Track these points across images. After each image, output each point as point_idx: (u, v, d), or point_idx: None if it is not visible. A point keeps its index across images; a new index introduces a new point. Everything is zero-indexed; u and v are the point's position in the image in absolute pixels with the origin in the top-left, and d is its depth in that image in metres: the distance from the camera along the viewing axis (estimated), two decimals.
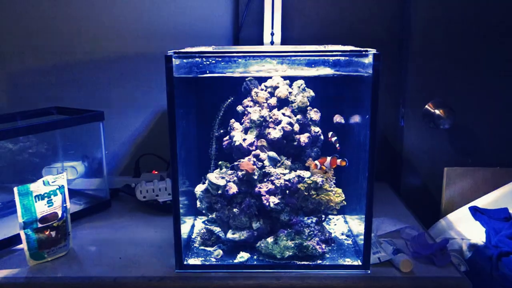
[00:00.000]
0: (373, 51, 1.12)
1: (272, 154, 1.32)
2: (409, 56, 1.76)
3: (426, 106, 1.76)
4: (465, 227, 1.59)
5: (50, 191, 1.27)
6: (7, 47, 1.86)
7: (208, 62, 1.17)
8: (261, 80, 1.40)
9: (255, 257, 1.27)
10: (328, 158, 1.28)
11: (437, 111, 1.73)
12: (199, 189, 1.33)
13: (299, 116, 1.36)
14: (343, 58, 1.17)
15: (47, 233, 1.27)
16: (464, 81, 1.75)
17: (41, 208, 1.25)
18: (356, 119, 1.36)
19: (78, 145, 1.76)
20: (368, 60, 1.14)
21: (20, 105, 1.79)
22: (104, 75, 1.89)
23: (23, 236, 1.24)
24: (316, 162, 1.29)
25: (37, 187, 1.25)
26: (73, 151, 1.76)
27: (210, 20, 1.84)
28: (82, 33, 1.86)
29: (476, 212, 1.63)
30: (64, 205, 1.32)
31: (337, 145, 1.34)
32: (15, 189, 1.21)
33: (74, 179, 1.74)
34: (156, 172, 1.82)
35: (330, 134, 1.36)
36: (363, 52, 1.13)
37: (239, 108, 1.40)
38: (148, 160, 1.88)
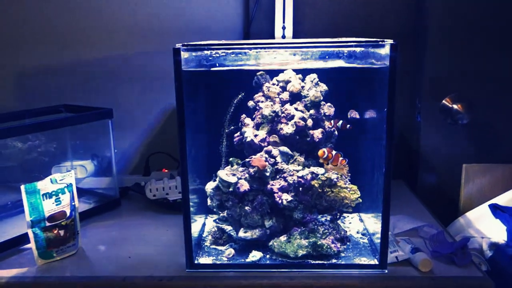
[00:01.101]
0: (390, 41, 1.08)
1: (284, 148, 1.28)
2: (425, 50, 1.71)
3: (444, 101, 1.71)
4: (485, 225, 1.54)
5: (58, 189, 1.25)
6: (15, 45, 1.85)
7: (217, 55, 1.14)
8: (273, 74, 1.36)
9: (267, 256, 1.24)
10: (333, 152, 1.25)
11: (455, 106, 1.68)
12: (210, 186, 1.29)
13: (312, 111, 1.32)
14: (358, 49, 1.13)
15: (55, 232, 1.25)
16: (483, 75, 1.69)
17: (49, 207, 1.23)
18: (371, 113, 1.31)
19: (88, 144, 1.74)
20: (385, 51, 1.09)
21: (28, 103, 1.77)
22: (113, 73, 1.87)
23: (31, 235, 1.22)
24: (324, 149, 1.25)
25: (44, 185, 1.23)
26: (83, 150, 1.74)
27: (219, 14, 1.81)
28: (91, 31, 1.84)
29: (497, 210, 1.58)
30: (73, 203, 1.29)
31: (348, 126, 1.32)
32: (22, 187, 1.19)
33: (83, 178, 1.72)
34: (166, 171, 1.79)
35: (334, 122, 1.33)
36: (380, 42, 1.09)
37: (250, 103, 1.36)
38: (158, 159, 1.85)
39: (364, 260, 1.22)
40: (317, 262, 1.20)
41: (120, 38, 1.84)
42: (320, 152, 1.25)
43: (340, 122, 1.33)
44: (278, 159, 1.27)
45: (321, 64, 1.20)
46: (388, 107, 1.09)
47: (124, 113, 1.83)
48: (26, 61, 1.86)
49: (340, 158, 1.25)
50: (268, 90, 1.33)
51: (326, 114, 1.34)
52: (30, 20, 1.83)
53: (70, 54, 1.85)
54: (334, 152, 1.25)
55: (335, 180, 1.25)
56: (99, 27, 1.83)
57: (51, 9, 1.82)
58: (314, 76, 1.34)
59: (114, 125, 1.60)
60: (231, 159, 1.32)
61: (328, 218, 1.31)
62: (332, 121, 1.33)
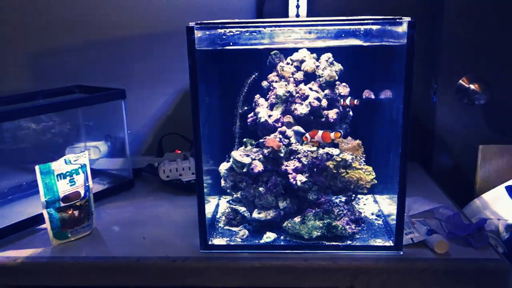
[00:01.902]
0: (408, 19, 1.05)
1: (298, 128, 1.26)
2: (442, 28, 1.67)
3: (460, 81, 1.68)
4: (501, 207, 1.52)
5: (72, 170, 1.25)
6: (28, 26, 1.84)
7: (231, 33, 1.12)
8: (287, 53, 1.33)
9: (281, 237, 1.23)
10: (320, 132, 1.23)
11: (471, 86, 1.64)
12: (223, 167, 1.28)
13: (327, 91, 1.30)
14: (375, 27, 1.11)
15: (70, 212, 1.25)
16: (501, 54, 1.65)
17: (63, 187, 1.23)
18: (387, 93, 1.29)
19: (101, 125, 1.74)
20: (402, 28, 1.07)
21: (42, 84, 1.77)
22: (126, 53, 1.86)
23: (46, 216, 1.22)
24: (307, 134, 1.24)
25: (58, 165, 1.23)
26: (96, 130, 1.74)
27: None
28: (102, 11, 1.82)
29: None
30: (87, 184, 1.29)
31: (356, 101, 1.30)
32: (37, 168, 1.19)
33: (97, 159, 1.72)
34: (179, 152, 1.79)
35: (347, 100, 1.31)
36: (397, 20, 1.06)
37: (264, 83, 1.34)
38: (171, 140, 1.85)
39: (379, 242, 1.21)
40: (331, 243, 1.19)
41: (133, 18, 1.82)
42: (303, 139, 1.25)
43: (349, 98, 1.31)
44: (292, 139, 1.25)
45: (336, 43, 1.17)
46: (405, 87, 1.07)
47: (137, 94, 1.83)
48: (39, 42, 1.86)
49: (332, 134, 1.22)
50: (282, 70, 1.31)
51: (342, 94, 1.32)
52: (44, 2, 1.82)
53: (83, 34, 1.84)
54: (320, 132, 1.23)
55: (350, 161, 1.24)
56: (112, 7, 1.81)
57: None
58: (329, 55, 1.32)
59: (127, 106, 1.59)
60: (244, 139, 1.30)
61: (343, 199, 1.30)
62: (342, 100, 1.31)
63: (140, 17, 1.82)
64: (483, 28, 1.64)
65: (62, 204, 1.24)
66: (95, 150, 1.72)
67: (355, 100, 1.31)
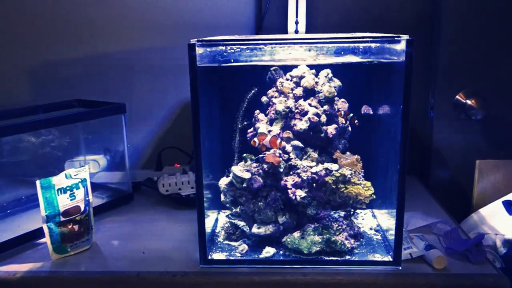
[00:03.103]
0: (406, 37, 1.07)
1: (296, 142, 1.27)
2: (439, 44, 1.69)
3: (457, 96, 1.70)
4: (499, 222, 1.53)
5: (73, 184, 1.26)
6: (28, 40, 1.86)
7: (232, 50, 1.13)
8: (286, 69, 1.35)
9: (281, 252, 1.24)
10: (268, 136, 1.23)
11: (468, 101, 1.66)
12: (223, 182, 1.29)
13: (326, 107, 1.31)
14: (373, 45, 1.12)
15: (69, 226, 1.25)
16: (497, 70, 1.67)
17: (63, 202, 1.24)
18: (385, 109, 1.30)
19: (100, 139, 1.74)
20: (401, 46, 1.08)
21: (41, 98, 1.77)
22: (126, 68, 1.88)
23: (46, 230, 1.23)
24: (255, 139, 1.25)
25: (59, 180, 1.23)
26: (96, 144, 1.74)
27: (232, 9, 1.80)
28: (104, 25, 1.84)
29: (511, 207, 1.56)
30: (87, 198, 1.30)
31: (356, 121, 1.32)
32: (38, 182, 1.20)
33: (96, 173, 1.73)
34: (178, 165, 1.80)
35: (345, 113, 1.32)
36: (396, 38, 1.08)
37: (264, 99, 1.36)
38: (170, 154, 1.86)
39: (377, 257, 1.22)
40: (330, 258, 1.20)
41: (133, 33, 1.84)
42: (252, 142, 1.27)
43: (351, 115, 1.32)
44: (292, 155, 1.26)
45: (335, 60, 1.19)
46: (403, 103, 1.08)
47: (137, 108, 1.84)
48: (39, 56, 1.87)
49: (278, 141, 1.22)
50: (282, 86, 1.33)
51: (340, 109, 1.33)
52: (44, 15, 1.84)
53: (83, 48, 1.86)
54: (268, 137, 1.23)
55: (349, 176, 1.25)
56: (112, 22, 1.83)
57: (64, 3, 1.82)
58: (328, 71, 1.34)
59: (127, 119, 1.60)
60: (244, 154, 1.31)
61: (342, 214, 1.30)
62: (342, 112, 1.32)
63: (140, 31, 1.84)
64: (480, 43, 1.66)
65: (62, 219, 1.24)
66: (95, 164, 1.72)
67: (356, 121, 1.32)
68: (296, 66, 1.34)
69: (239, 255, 1.24)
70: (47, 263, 1.23)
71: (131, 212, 1.55)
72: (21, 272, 1.18)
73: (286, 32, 1.74)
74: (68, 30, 1.84)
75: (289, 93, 1.32)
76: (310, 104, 1.31)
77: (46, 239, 1.23)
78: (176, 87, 1.86)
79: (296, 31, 1.72)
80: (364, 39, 1.11)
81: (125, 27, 1.83)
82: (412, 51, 1.06)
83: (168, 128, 1.93)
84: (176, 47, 1.81)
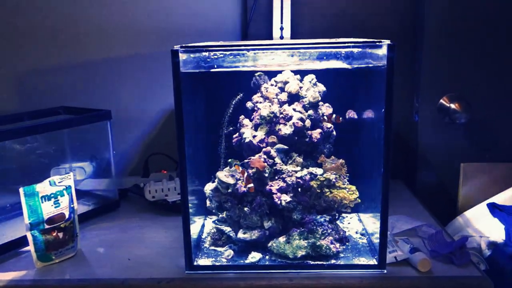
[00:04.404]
0: (387, 41, 1.08)
1: (280, 145, 1.28)
2: (422, 49, 1.71)
3: (441, 100, 1.71)
4: (483, 225, 1.54)
5: (57, 191, 1.25)
6: (13, 46, 1.84)
7: (215, 56, 1.14)
8: (271, 75, 1.36)
9: (267, 257, 1.24)
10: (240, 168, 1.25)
11: (452, 105, 1.68)
12: (209, 188, 1.29)
13: (310, 112, 1.32)
14: (356, 50, 1.13)
15: (54, 234, 1.25)
16: (480, 74, 1.69)
17: (47, 209, 1.23)
18: (369, 114, 1.31)
19: (86, 146, 1.73)
20: (382, 51, 1.09)
21: (27, 106, 1.77)
22: (112, 75, 1.87)
23: (29, 238, 1.22)
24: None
25: (43, 187, 1.22)
26: (81, 151, 1.73)
27: (217, 16, 1.81)
28: (89, 32, 1.83)
29: (495, 209, 1.58)
30: (72, 205, 1.29)
31: (340, 118, 1.33)
32: (21, 190, 1.19)
33: (82, 180, 1.71)
34: (165, 172, 1.79)
35: (328, 117, 1.33)
36: (377, 43, 1.09)
37: (249, 104, 1.36)
38: (157, 160, 1.85)
39: (363, 261, 1.22)
40: (316, 262, 1.20)
41: (118, 39, 1.84)
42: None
43: (334, 116, 1.33)
44: (277, 160, 1.27)
45: (319, 65, 1.20)
46: (386, 107, 1.10)
47: (123, 114, 1.84)
48: (24, 63, 1.86)
49: (249, 186, 1.22)
50: (267, 91, 1.33)
51: (325, 114, 1.34)
52: (28, 21, 1.82)
53: (68, 55, 1.85)
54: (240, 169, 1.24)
55: (334, 180, 1.25)
56: (97, 28, 1.83)
57: (49, 10, 1.82)
58: (312, 76, 1.35)
59: (113, 126, 1.59)
60: (230, 160, 1.32)
61: (327, 218, 1.31)
62: (326, 117, 1.33)
63: (125, 38, 1.83)
64: (463, 47, 1.68)
65: (46, 226, 1.23)
66: (81, 171, 1.71)
67: (340, 118, 1.33)
68: (280, 72, 1.35)
69: (225, 260, 1.24)
70: (31, 271, 1.22)
71: (117, 219, 1.54)
72: (4, 281, 1.17)
73: (271, 38, 1.74)
74: (53, 37, 1.83)
75: (273, 98, 1.33)
76: (294, 109, 1.31)
77: (30, 247, 1.22)
78: (162, 93, 1.86)
79: (281, 37, 1.73)
80: (346, 44, 1.12)
81: (111, 34, 1.83)
82: (393, 56, 1.07)
83: (155, 135, 1.93)
84: (161, 54, 1.81)
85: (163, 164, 1.83)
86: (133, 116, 1.90)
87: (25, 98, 1.88)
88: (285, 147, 1.28)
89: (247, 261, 1.22)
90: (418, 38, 1.75)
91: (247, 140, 1.29)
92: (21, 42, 1.84)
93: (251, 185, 1.21)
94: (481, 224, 1.55)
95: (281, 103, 1.33)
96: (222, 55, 1.14)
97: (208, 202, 1.31)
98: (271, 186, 1.24)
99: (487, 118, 1.72)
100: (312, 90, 1.33)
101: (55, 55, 1.85)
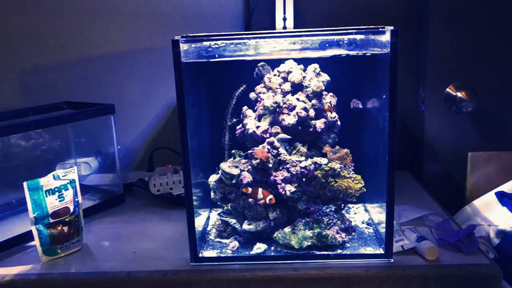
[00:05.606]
0: (391, 27, 1.06)
1: (282, 135, 1.26)
2: (428, 37, 1.69)
3: (447, 89, 1.69)
4: (492, 213, 1.52)
5: (61, 185, 1.25)
6: (16, 42, 1.85)
7: (217, 46, 1.13)
8: (274, 65, 1.34)
9: (272, 248, 1.23)
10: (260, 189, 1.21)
11: (459, 94, 1.65)
12: (213, 179, 1.28)
13: (314, 101, 1.31)
14: (358, 37, 1.12)
15: (59, 228, 1.24)
16: (487, 62, 1.67)
17: (52, 203, 1.23)
18: (374, 103, 1.30)
19: (91, 141, 1.74)
20: (386, 37, 1.08)
21: (30, 101, 1.77)
22: (116, 69, 1.86)
23: (34, 232, 1.22)
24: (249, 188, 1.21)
25: (47, 181, 1.22)
26: (86, 147, 1.74)
27: (220, 7, 1.79)
28: (92, 27, 1.83)
29: (503, 198, 1.56)
30: (76, 199, 1.29)
31: (332, 108, 1.31)
32: (25, 184, 1.19)
33: (88, 175, 1.72)
34: (170, 166, 1.79)
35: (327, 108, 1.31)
36: (380, 29, 1.08)
37: (252, 95, 1.35)
38: (162, 154, 1.85)
39: (369, 250, 1.21)
40: (322, 253, 1.19)
41: (121, 32, 1.83)
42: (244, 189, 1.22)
43: (327, 105, 1.31)
44: (281, 150, 1.26)
45: (322, 53, 1.18)
46: (390, 94, 1.08)
47: (128, 109, 1.84)
48: (27, 59, 1.86)
49: (269, 197, 1.19)
50: (270, 81, 1.32)
51: (326, 103, 1.33)
52: (31, 17, 1.83)
53: (71, 49, 1.85)
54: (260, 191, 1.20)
55: (339, 170, 1.24)
56: (99, 22, 1.82)
57: (52, 7, 1.82)
58: (315, 66, 1.33)
59: (117, 121, 1.59)
60: (233, 151, 1.31)
61: (333, 208, 1.30)
62: (328, 106, 1.31)
63: (128, 32, 1.83)
64: (469, 35, 1.66)
65: (51, 220, 1.23)
66: (86, 166, 1.72)
67: (332, 107, 1.31)
68: (283, 61, 1.34)
69: (230, 252, 1.23)
70: (37, 266, 1.22)
71: (123, 213, 1.54)
72: (11, 275, 1.17)
73: (274, 29, 1.73)
74: (56, 32, 1.83)
75: (277, 88, 1.32)
76: (298, 99, 1.30)
77: (36, 241, 1.22)
78: (166, 86, 1.86)
79: (284, 28, 1.71)
80: (349, 31, 1.11)
81: (112, 27, 1.83)
82: (397, 42, 1.05)
83: (160, 129, 1.92)
84: (165, 46, 1.80)
85: (168, 158, 1.83)
86: (138, 111, 1.90)
87: (29, 94, 1.88)
88: (288, 136, 1.27)
89: (252, 252, 1.21)
90: (424, 27, 1.72)
91: (250, 131, 1.28)
92: (24, 38, 1.84)
93: (271, 196, 1.19)
94: (489, 213, 1.53)
95: (285, 93, 1.31)
96: (223, 44, 1.13)
97: (212, 194, 1.30)
98: (275, 176, 1.23)
99: (494, 107, 1.70)
100: (315, 79, 1.31)
101: (57, 50, 1.85)
